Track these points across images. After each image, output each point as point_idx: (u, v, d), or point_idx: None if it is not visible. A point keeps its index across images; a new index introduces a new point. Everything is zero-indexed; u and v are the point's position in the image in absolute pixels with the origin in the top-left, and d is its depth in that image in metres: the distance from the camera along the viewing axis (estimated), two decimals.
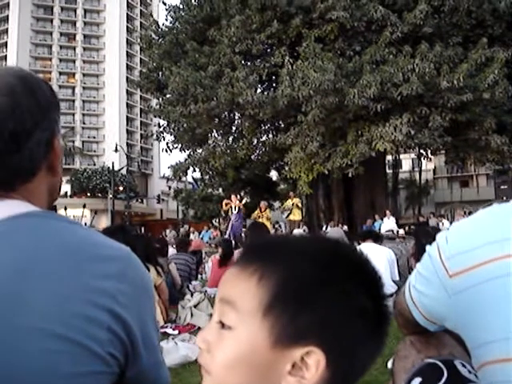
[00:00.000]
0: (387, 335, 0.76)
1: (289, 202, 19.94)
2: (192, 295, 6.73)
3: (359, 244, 7.48)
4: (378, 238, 7.70)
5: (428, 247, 1.17)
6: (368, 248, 6.82)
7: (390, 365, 3.49)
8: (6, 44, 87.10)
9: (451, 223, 21.51)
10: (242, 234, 17.38)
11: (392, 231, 8.83)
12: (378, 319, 0.74)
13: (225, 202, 19.89)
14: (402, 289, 1.30)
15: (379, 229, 18.49)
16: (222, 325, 0.73)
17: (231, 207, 19.25)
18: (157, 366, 1.03)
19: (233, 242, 11.20)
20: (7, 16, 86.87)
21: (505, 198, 18.59)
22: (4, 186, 0.98)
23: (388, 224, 15.80)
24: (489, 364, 1.01)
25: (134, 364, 0.96)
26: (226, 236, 17.59)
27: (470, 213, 28.17)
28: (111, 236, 1.01)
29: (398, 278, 6.98)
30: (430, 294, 1.14)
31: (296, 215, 19.48)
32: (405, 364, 1.27)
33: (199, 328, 5.91)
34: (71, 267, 0.89)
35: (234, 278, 0.75)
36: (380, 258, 6.61)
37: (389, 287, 6.29)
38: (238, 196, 19.82)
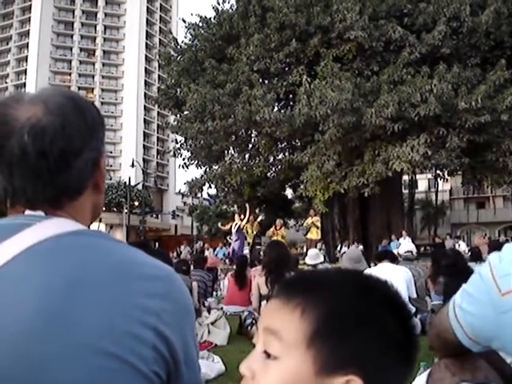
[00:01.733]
0: (416, 361, 0.80)
1: (308, 220, 19.85)
2: (209, 312, 6.73)
3: (375, 264, 7.46)
4: (394, 258, 7.66)
5: (477, 267, 1.18)
6: (385, 268, 6.78)
7: None
8: (26, 58, 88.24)
9: (468, 245, 21.36)
10: (245, 252, 17.36)
11: (411, 252, 8.77)
12: (408, 346, 0.78)
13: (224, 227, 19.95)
14: (443, 309, 1.29)
15: (396, 249, 18.38)
16: (267, 354, 0.77)
17: (231, 226, 19.22)
18: None
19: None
20: (28, 31, 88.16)
21: None
22: (52, 204, 1.00)
23: (406, 245, 15.60)
24: None
25: (176, 383, 0.97)
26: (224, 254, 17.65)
27: (489, 237, 27.86)
28: None
29: (415, 296, 6.94)
30: (478, 312, 1.14)
31: (314, 234, 19.37)
32: None
33: (216, 345, 5.90)
34: (119, 285, 0.91)
35: (278, 310, 0.79)
36: (397, 278, 6.57)
37: None
38: (248, 213, 19.67)
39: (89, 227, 1.08)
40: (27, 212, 0.99)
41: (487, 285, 1.12)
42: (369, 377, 0.72)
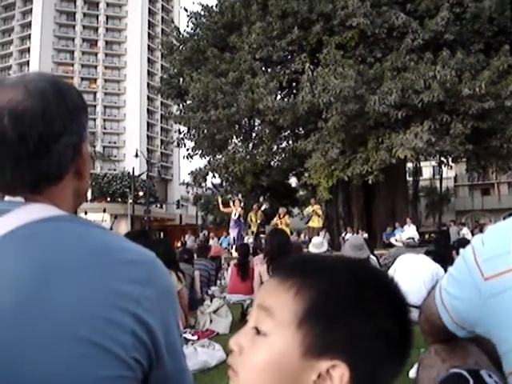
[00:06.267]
0: (409, 357, 0.79)
1: (309, 209, 19.78)
2: (211, 301, 6.73)
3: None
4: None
5: (462, 250, 1.16)
6: (413, 260, 6.42)
7: (411, 374, 3.46)
8: (28, 49, 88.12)
9: (472, 231, 21.31)
10: (250, 240, 17.19)
11: (413, 239, 8.68)
12: (401, 342, 0.77)
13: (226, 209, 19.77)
14: (431, 293, 1.28)
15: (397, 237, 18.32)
16: (257, 331, 0.77)
17: (231, 211, 19.06)
18: (180, 372, 1.02)
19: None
20: (30, 22, 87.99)
21: None
22: (31, 189, 0.98)
23: (409, 232, 15.57)
24: None
25: (158, 369, 0.95)
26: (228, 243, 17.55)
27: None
28: (133, 241, 1.01)
29: None
30: (463, 296, 1.13)
31: (315, 222, 19.28)
32: (429, 373, 1.25)
33: (218, 334, 5.91)
34: (97, 271, 0.90)
35: (273, 289, 0.79)
36: (421, 272, 6.16)
37: (421, 298, 5.92)
38: (241, 203, 19.55)
39: (76, 213, 1.07)
40: (6, 198, 0.98)
41: (470, 268, 1.10)
42: (355, 365, 0.72)
